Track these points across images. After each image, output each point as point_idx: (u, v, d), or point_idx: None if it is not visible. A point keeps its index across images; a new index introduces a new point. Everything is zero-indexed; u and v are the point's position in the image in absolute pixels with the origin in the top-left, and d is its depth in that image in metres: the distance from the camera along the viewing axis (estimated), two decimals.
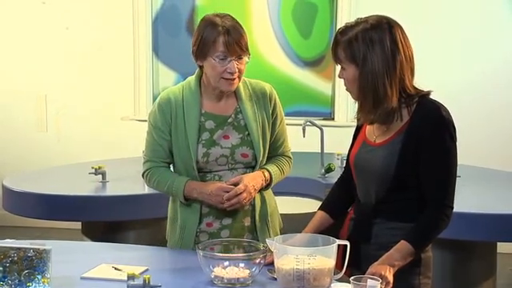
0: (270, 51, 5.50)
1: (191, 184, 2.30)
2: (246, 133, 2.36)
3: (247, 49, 2.27)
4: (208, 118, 2.34)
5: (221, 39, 2.22)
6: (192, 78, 2.39)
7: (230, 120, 2.35)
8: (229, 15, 2.29)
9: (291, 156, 2.50)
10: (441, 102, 2.01)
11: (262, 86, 2.43)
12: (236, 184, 2.29)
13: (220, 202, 2.26)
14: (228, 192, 2.25)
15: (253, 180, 2.31)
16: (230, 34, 2.22)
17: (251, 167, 2.38)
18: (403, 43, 1.96)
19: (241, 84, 2.36)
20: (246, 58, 2.28)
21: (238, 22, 2.28)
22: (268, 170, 2.38)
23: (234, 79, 2.27)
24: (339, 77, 2.04)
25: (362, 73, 1.94)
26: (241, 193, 2.27)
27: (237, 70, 2.25)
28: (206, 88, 2.35)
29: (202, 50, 2.26)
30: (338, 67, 2.05)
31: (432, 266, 2.07)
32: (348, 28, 1.98)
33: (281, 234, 2.36)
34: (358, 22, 1.98)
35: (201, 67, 2.33)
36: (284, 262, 1.88)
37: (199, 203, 2.35)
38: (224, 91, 2.32)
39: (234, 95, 2.37)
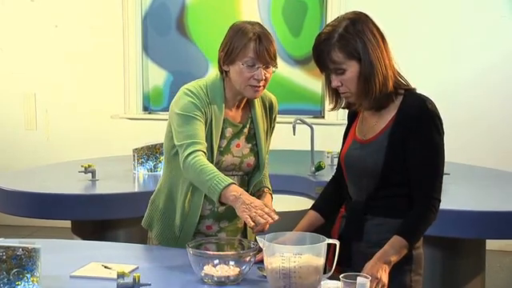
0: None
1: (235, 187, 2.11)
2: (254, 142, 2.37)
3: (275, 58, 2.25)
4: (228, 125, 2.32)
5: (251, 45, 2.20)
6: (215, 81, 2.31)
7: (245, 130, 2.35)
8: (258, 23, 2.28)
9: (268, 162, 2.52)
10: (433, 99, 2.02)
11: (269, 96, 2.44)
12: None
13: (251, 218, 2.03)
14: (268, 213, 2.07)
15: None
16: (261, 41, 2.21)
17: (247, 174, 2.39)
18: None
19: None
20: (272, 68, 2.25)
21: (267, 30, 2.26)
22: (270, 189, 2.44)
23: (260, 87, 2.24)
24: (335, 85, 2.01)
25: (365, 63, 1.94)
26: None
27: (264, 78, 2.23)
28: (228, 94, 2.32)
29: (230, 55, 2.23)
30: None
31: (423, 263, 2.08)
32: (330, 32, 1.97)
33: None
34: (337, 24, 1.98)
35: (226, 72, 2.29)
36: (271, 260, 1.89)
37: (201, 206, 2.32)
38: (249, 98, 2.30)
39: (248, 104, 2.36)
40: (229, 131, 2.32)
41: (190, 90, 2.28)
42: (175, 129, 2.26)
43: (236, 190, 2.09)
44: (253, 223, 2.02)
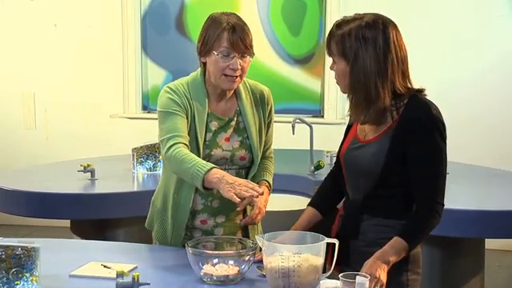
0: (259, 49, 5.40)
1: (217, 170, 2.12)
2: (245, 135, 2.36)
3: (251, 47, 2.25)
4: (213, 118, 2.32)
5: (225, 35, 2.22)
6: (196, 77, 2.34)
7: (232, 123, 2.35)
8: (234, 14, 2.30)
9: (273, 156, 2.52)
10: (432, 99, 2.02)
11: (261, 88, 2.42)
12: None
13: (236, 195, 2.04)
14: (252, 188, 2.08)
15: (265, 201, 2.34)
16: (235, 31, 2.22)
17: (245, 168, 2.38)
18: (396, 44, 1.96)
19: (240, 85, 2.35)
20: (249, 57, 2.26)
21: (243, 21, 2.27)
22: (269, 183, 2.42)
23: (236, 77, 2.25)
24: (330, 68, 2.05)
25: (353, 70, 1.96)
26: (258, 213, 2.29)
27: (239, 67, 2.23)
28: (209, 87, 2.33)
29: (206, 46, 2.25)
30: (328, 62, 2.06)
31: (421, 262, 2.08)
32: (344, 22, 1.99)
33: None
34: (354, 18, 1.99)
35: (204, 64, 2.30)
36: (270, 259, 1.89)
37: (191, 201, 2.32)
38: (225, 89, 2.30)
39: (235, 96, 2.36)
40: (214, 125, 2.32)
41: (169, 87, 2.31)
42: (158, 127, 2.29)
43: (218, 173, 2.10)
44: (239, 199, 2.03)
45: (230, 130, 2.34)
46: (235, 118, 2.35)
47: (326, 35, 2.05)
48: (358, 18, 1.98)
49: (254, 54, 2.28)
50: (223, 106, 2.35)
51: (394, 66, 1.95)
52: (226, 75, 2.24)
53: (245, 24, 2.27)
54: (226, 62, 2.22)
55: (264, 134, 2.41)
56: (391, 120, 2.00)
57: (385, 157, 1.99)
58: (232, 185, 2.05)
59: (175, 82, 2.35)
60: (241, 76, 2.27)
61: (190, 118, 2.27)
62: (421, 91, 2.02)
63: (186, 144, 2.22)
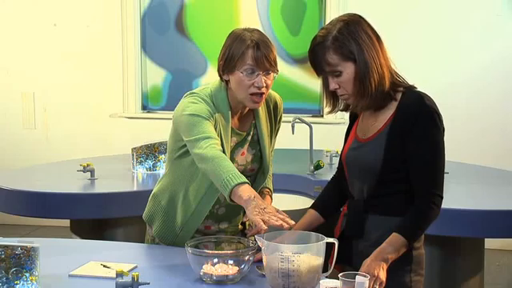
0: None
1: (248, 187, 2.02)
2: (258, 148, 2.34)
3: (276, 64, 2.21)
4: (233, 134, 2.29)
5: (249, 52, 2.16)
6: (219, 90, 2.26)
7: (248, 137, 2.33)
8: (257, 30, 2.25)
9: (272, 158, 2.50)
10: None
11: (274, 97, 2.40)
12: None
13: (264, 222, 1.94)
14: (282, 219, 1.97)
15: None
16: (259, 48, 2.17)
17: (250, 176, 2.35)
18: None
19: None
20: (273, 74, 2.22)
21: (266, 37, 2.23)
22: (270, 190, 2.41)
23: (261, 95, 2.20)
24: (332, 88, 2.02)
25: (360, 63, 1.95)
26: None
27: (264, 85, 2.18)
28: (232, 102, 2.27)
29: (229, 64, 2.19)
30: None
31: (424, 263, 2.08)
32: (325, 35, 1.98)
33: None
34: (331, 26, 1.99)
35: (226, 82, 2.25)
36: (270, 259, 1.89)
37: (208, 211, 2.29)
38: (249, 108, 2.27)
39: (251, 110, 2.32)
40: (233, 140, 2.30)
41: (200, 97, 2.23)
42: (186, 128, 2.18)
43: (249, 191, 2.00)
44: (266, 227, 1.92)
45: (246, 145, 2.33)
46: (251, 132, 2.33)
47: (312, 59, 2.02)
48: (333, 24, 2.00)
49: (278, 71, 2.23)
50: (241, 121, 2.32)
51: (383, 47, 2.00)
52: (251, 94, 2.19)
53: (268, 40, 2.22)
54: (250, 80, 2.17)
55: (273, 141, 2.41)
56: (387, 113, 2.00)
57: (383, 152, 1.99)
58: (261, 210, 1.96)
59: (198, 91, 2.28)
60: (265, 93, 2.22)
61: (216, 132, 2.21)
62: (414, 87, 2.04)
63: (221, 149, 2.15)
